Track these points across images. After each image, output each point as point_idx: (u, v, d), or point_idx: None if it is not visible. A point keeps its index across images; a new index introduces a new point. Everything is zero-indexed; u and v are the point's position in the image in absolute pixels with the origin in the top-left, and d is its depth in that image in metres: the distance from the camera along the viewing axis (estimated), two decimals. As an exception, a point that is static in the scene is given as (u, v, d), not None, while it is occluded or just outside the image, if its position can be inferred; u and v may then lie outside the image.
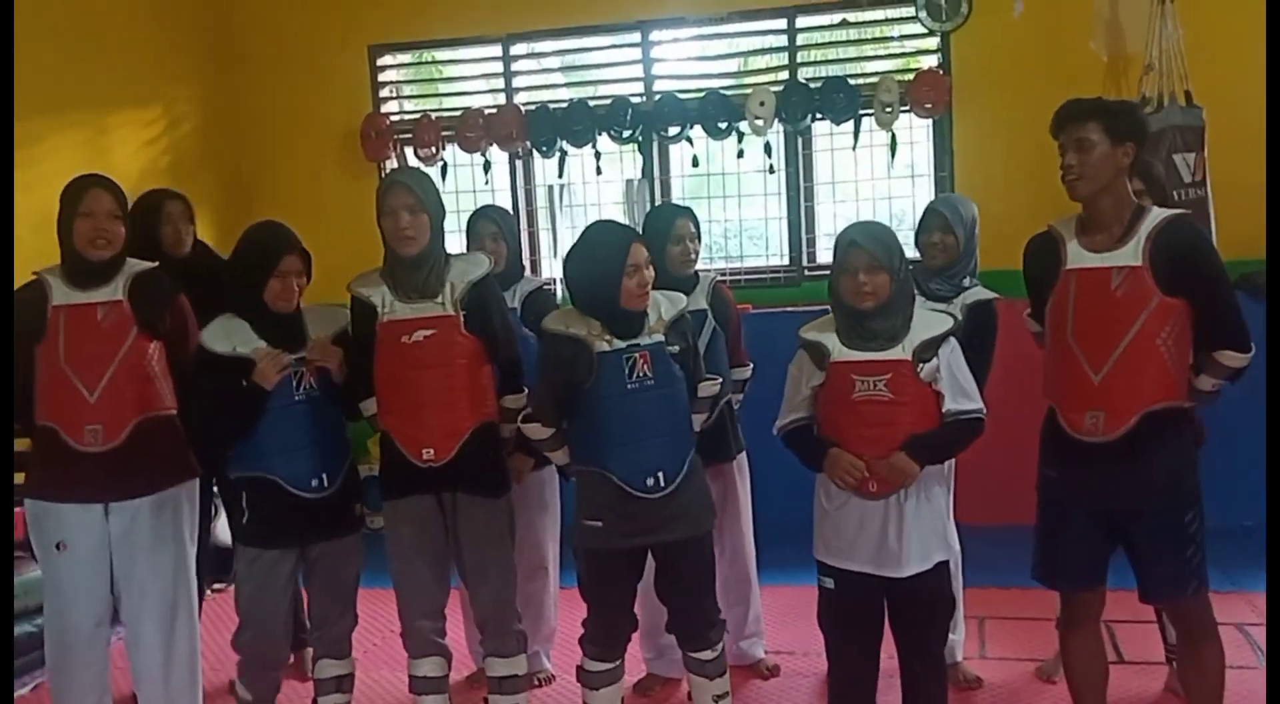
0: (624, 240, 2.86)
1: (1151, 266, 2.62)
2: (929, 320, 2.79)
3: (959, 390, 2.75)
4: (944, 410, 2.73)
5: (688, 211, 3.57)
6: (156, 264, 3.24)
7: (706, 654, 3.00)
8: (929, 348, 2.73)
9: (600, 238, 2.92)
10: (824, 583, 2.87)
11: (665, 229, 3.43)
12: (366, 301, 3.03)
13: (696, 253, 3.52)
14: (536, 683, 3.76)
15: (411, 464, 3.02)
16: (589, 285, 2.88)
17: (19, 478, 3.24)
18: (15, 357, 3.09)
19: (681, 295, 3.02)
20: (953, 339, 2.78)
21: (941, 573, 2.81)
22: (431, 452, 3.00)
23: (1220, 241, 3.70)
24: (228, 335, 3.03)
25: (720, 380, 3.06)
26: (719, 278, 3.67)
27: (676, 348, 2.90)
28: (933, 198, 3.60)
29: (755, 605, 3.76)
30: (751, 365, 3.71)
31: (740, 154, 5.64)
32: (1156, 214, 2.68)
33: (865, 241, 2.73)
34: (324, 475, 3.06)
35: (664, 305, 2.93)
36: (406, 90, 6.33)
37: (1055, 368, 2.79)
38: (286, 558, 3.11)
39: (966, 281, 3.43)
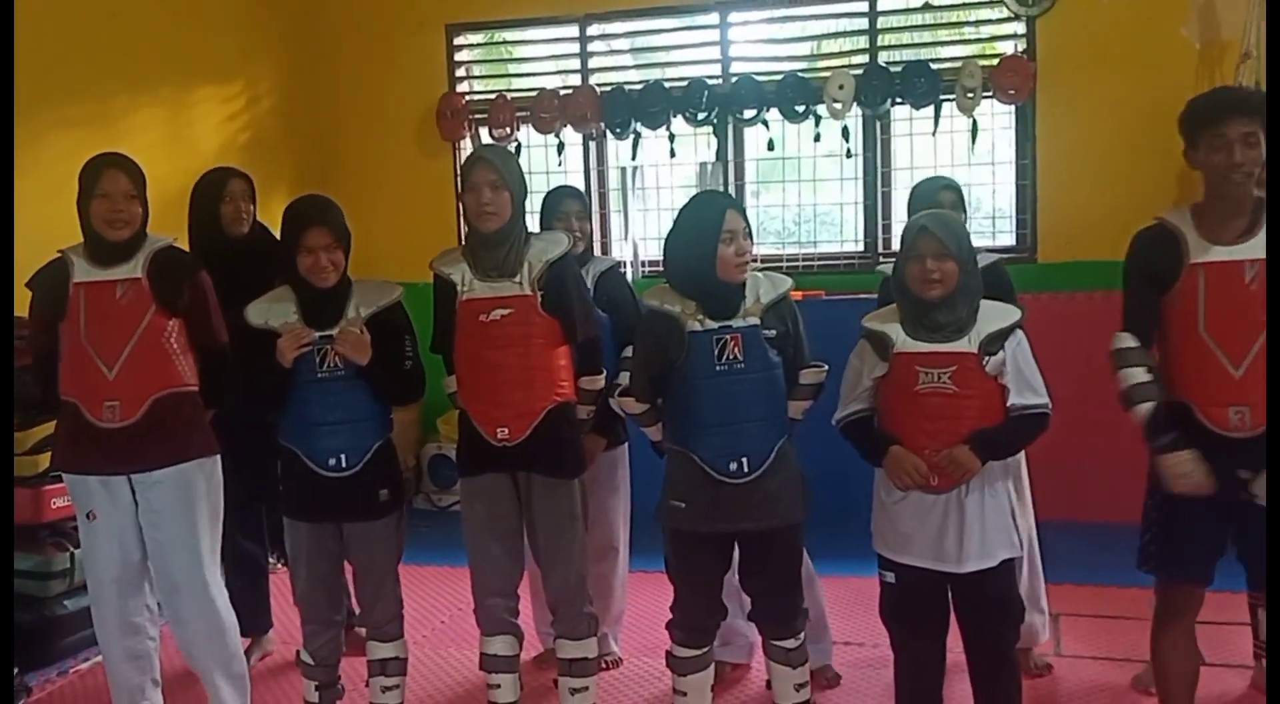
0: (720, 207, 2.82)
1: None
2: (996, 312, 2.72)
3: (1025, 384, 2.68)
4: (1009, 404, 2.67)
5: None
6: (173, 241, 3.23)
7: (790, 642, 2.97)
8: (996, 340, 2.67)
9: (695, 208, 2.89)
10: (885, 577, 2.81)
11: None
12: (447, 279, 3.04)
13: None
14: (604, 665, 3.74)
15: (487, 442, 3.02)
16: (685, 257, 2.85)
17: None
18: (39, 333, 3.15)
19: (786, 278, 2.95)
20: (1020, 332, 2.71)
21: (1008, 571, 2.74)
22: (506, 431, 3.00)
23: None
24: (268, 308, 3.05)
25: (826, 368, 2.97)
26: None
27: (773, 332, 2.85)
28: (940, 176, 3.53)
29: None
30: None
31: (817, 138, 5.57)
32: None
33: (935, 228, 2.67)
34: (342, 456, 3.04)
35: (764, 287, 2.88)
36: (479, 70, 6.34)
37: (1186, 364, 2.69)
38: (319, 531, 3.11)
39: None
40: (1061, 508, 4.85)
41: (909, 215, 3.39)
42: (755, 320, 2.83)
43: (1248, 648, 3.45)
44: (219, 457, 3.24)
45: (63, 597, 3.97)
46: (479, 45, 6.35)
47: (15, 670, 3.67)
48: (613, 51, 6.09)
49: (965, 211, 3.38)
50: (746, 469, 2.81)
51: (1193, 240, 2.65)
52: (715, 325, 2.82)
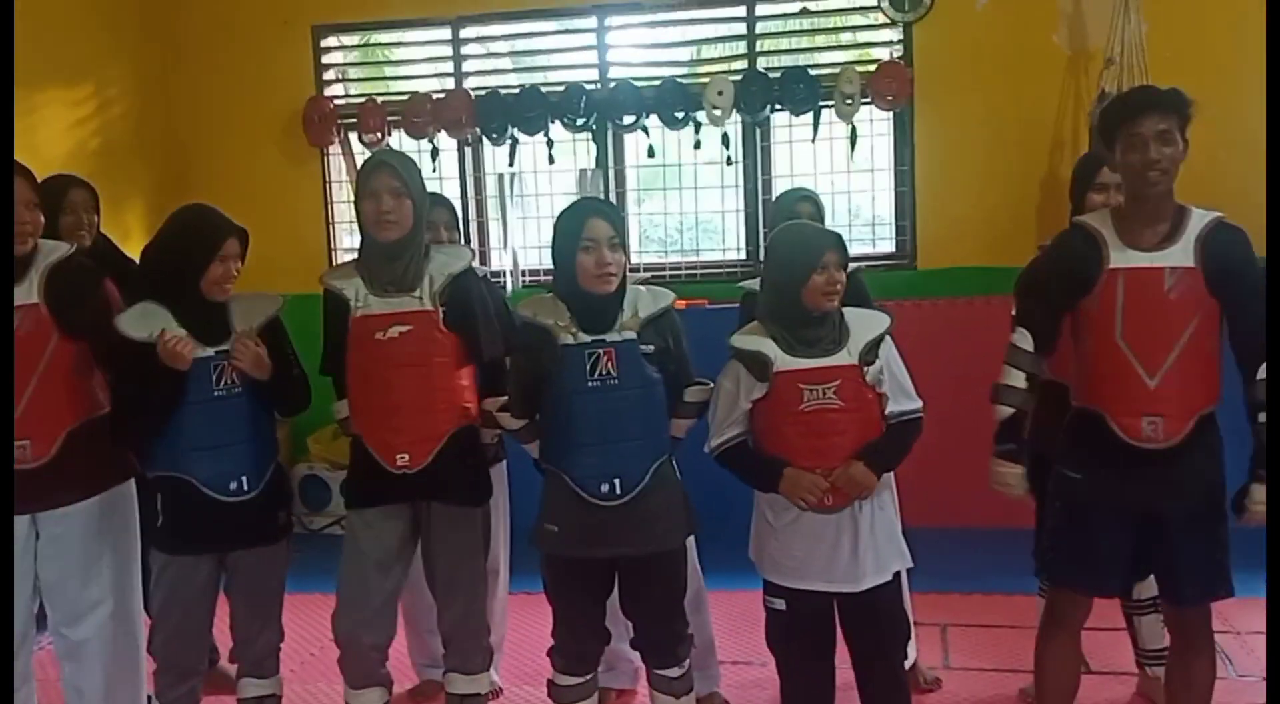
0: (582, 215, 2.70)
1: (1204, 268, 2.53)
2: (865, 320, 2.67)
3: (900, 391, 2.65)
4: (887, 412, 2.62)
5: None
6: (73, 248, 3.00)
7: (674, 671, 2.85)
8: (872, 349, 2.62)
9: (562, 215, 2.76)
10: (773, 605, 2.71)
11: None
12: (339, 295, 2.84)
13: None
14: (485, 695, 3.59)
15: (384, 471, 2.83)
16: (557, 267, 2.73)
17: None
18: None
19: (668, 292, 2.83)
20: (889, 337, 2.67)
21: (897, 584, 2.70)
22: (406, 457, 2.81)
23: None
24: (142, 320, 2.80)
25: (711, 386, 2.82)
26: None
27: (651, 347, 2.72)
28: (799, 187, 3.55)
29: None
30: None
31: (697, 145, 5.49)
32: (1201, 214, 2.59)
33: (837, 238, 2.62)
34: (244, 478, 2.84)
35: (644, 300, 2.75)
36: (352, 73, 6.11)
37: (1101, 371, 2.64)
38: (202, 564, 2.89)
39: None
40: (939, 514, 4.85)
41: (771, 227, 3.32)
42: (631, 334, 2.70)
43: (1130, 655, 3.44)
44: (133, 480, 3.01)
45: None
46: (348, 48, 6.11)
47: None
48: (488, 54, 5.92)
49: (823, 222, 3.31)
50: (619, 491, 2.67)
51: (1113, 244, 2.60)
52: (588, 339, 2.68)
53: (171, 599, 2.91)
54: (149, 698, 3.08)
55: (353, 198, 2.86)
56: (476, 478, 2.96)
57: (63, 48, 5.17)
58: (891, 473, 2.97)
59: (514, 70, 5.91)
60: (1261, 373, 2.55)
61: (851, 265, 3.17)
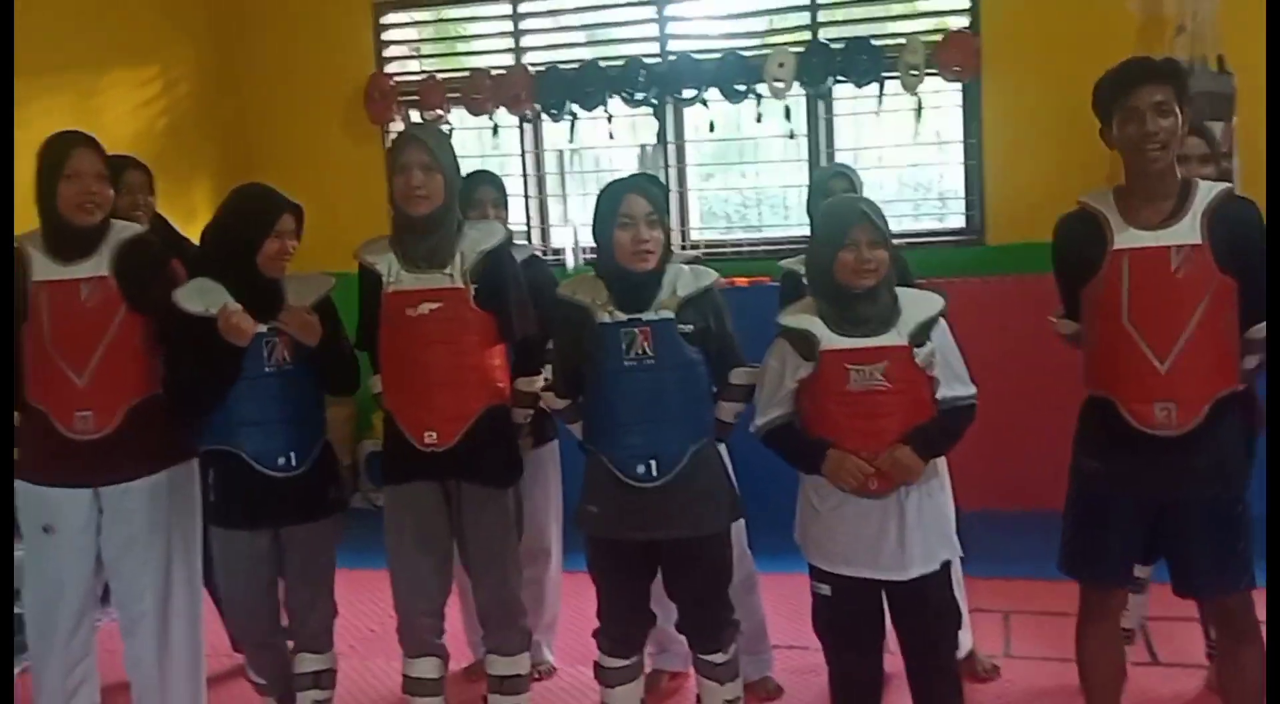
0: (619, 191, 2.66)
1: (1212, 244, 2.41)
2: (918, 300, 2.58)
3: (952, 375, 2.55)
4: (939, 397, 2.53)
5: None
6: (145, 228, 3.06)
7: (718, 657, 2.81)
8: (923, 330, 2.52)
9: (601, 192, 2.72)
10: (819, 590, 2.65)
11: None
12: (372, 269, 2.84)
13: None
14: (537, 675, 3.58)
15: (413, 448, 2.82)
16: (596, 242, 2.70)
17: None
18: None
19: (710, 272, 2.77)
20: (943, 320, 2.58)
21: (946, 574, 2.62)
22: (435, 435, 2.80)
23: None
24: (199, 294, 2.84)
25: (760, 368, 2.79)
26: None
27: (690, 327, 2.67)
28: (836, 163, 3.43)
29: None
30: None
31: (759, 118, 5.39)
32: (1208, 187, 2.47)
33: (871, 213, 2.53)
34: (292, 454, 2.87)
35: (684, 279, 2.70)
36: (408, 50, 6.10)
37: (1109, 356, 2.54)
38: (258, 539, 2.94)
39: None
40: (1003, 497, 4.75)
41: (809, 205, 3.25)
42: (669, 313, 2.65)
43: (1200, 646, 3.33)
44: (196, 461, 3.03)
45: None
46: (420, 23, 6.09)
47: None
48: (548, 29, 5.87)
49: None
50: (655, 473, 2.64)
51: (1115, 224, 2.49)
52: (624, 317, 2.64)
53: (231, 573, 2.98)
54: (244, 667, 3.16)
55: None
56: (507, 458, 2.94)
57: (128, 29, 5.24)
58: (943, 459, 2.91)
59: (575, 45, 5.84)
60: (1254, 331, 2.48)
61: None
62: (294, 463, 2.88)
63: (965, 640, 3.41)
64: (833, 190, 3.18)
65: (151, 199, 3.59)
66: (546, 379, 2.93)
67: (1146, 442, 2.48)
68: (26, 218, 2.94)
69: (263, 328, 2.82)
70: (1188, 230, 2.43)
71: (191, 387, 2.88)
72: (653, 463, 2.64)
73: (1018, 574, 4.11)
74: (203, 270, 2.92)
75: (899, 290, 2.59)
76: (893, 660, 2.72)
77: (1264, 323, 2.48)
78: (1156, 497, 2.53)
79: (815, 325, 2.55)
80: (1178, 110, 2.42)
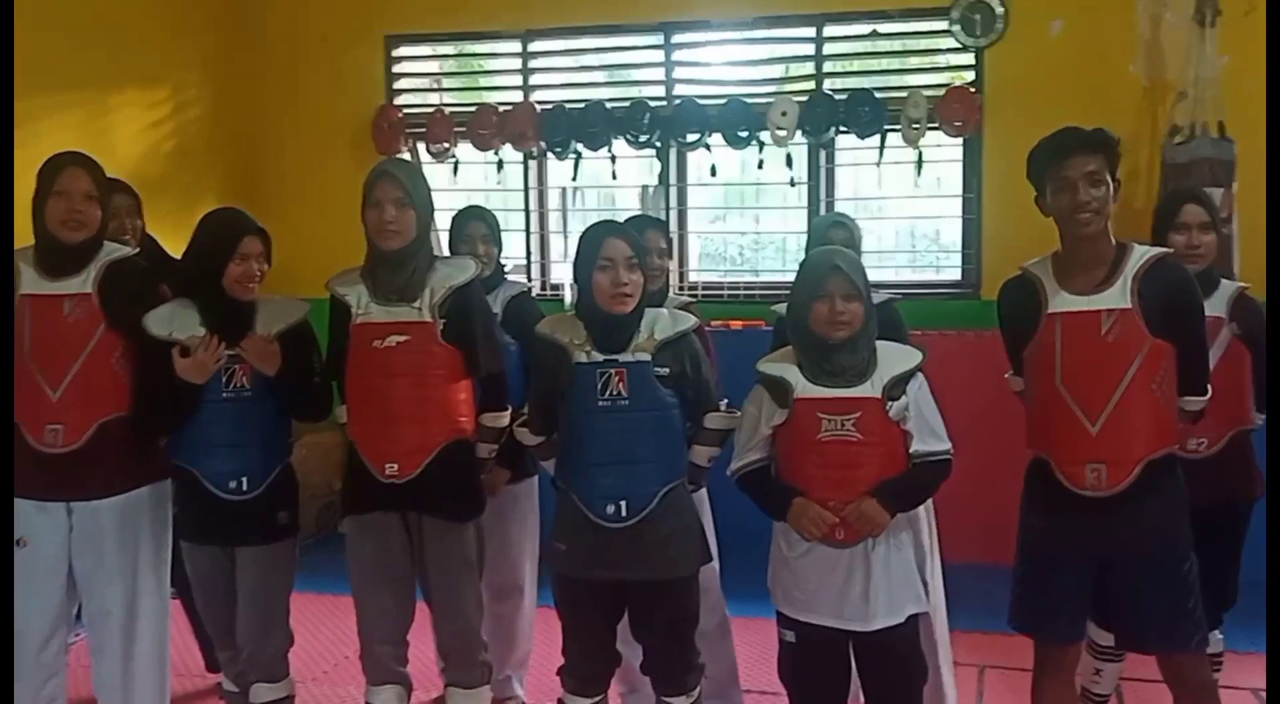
0: (600, 234, 2.69)
1: (1142, 308, 2.46)
2: (896, 354, 2.61)
3: (927, 430, 2.57)
4: (911, 451, 2.55)
5: (656, 224, 3.46)
6: (135, 250, 3.11)
7: (680, 700, 2.81)
8: (899, 384, 2.55)
9: (584, 233, 2.76)
10: (785, 636, 2.66)
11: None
12: (342, 300, 2.86)
13: (663, 269, 3.35)
14: (506, 710, 3.58)
15: (374, 479, 2.83)
16: (577, 283, 2.73)
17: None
18: None
19: (689, 316, 2.80)
20: (920, 375, 2.60)
21: (913, 628, 2.61)
22: (396, 467, 2.82)
23: (1246, 283, 3.53)
24: (170, 320, 2.90)
25: (739, 413, 2.78)
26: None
27: (666, 370, 2.69)
28: (834, 213, 3.45)
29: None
30: None
31: (760, 165, 5.44)
32: (1141, 252, 2.53)
33: (846, 267, 2.55)
34: (244, 479, 2.90)
35: (662, 323, 2.72)
36: (423, 83, 6.17)
37: (1044, 418, 2.60)
38: (211, 553, 2.99)
39: None
40: (987, 551, 4.72)
41: (806, 252, 3.27)
42: (645, 356, 2.67)
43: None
44: (169, 481, 3.06)
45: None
46: (419, 58, 6.18)
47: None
48: (556, 69, 5.94)
49: (858, 249, 3.26)
50: (624, 513, 2.64)
51: (1050, 289, 2.55)
52: (601, 358, 2.66)
53: (197, 586, 3.05)
54: (219, 685, 3.18)
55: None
56: (467, 492, 2.95)
57: (139, 51, 5.31)
58: (923, 513, 2.92)
59: (581, 85, 5.92)
60: (1187, 401, 2.57)
61: (886, 294, 3.18)
62: (245, 487, 2.91)
63: (949, 696, 3.41)
64: (830, 239, 3.19)
65: (139, 222, 3.64)
66: (523, 414, 2.94)
67: (1081, 502, 2.52)
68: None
69: (222, 352, 2.86)
70: (1118, 295, 2.48)
71: (152, 409, 2.93)
72: (623, 504, 2.64)
73: (994, 628, 4.09)
74: (182, 293, 2.98)
75: (879, 344, 2.61)
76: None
77: (1201, 397, 2.58)
78: (1095, 555, 2.56)
79: (791, 373, 2.57)
80: (1109, 179, 2.49)
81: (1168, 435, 2.53)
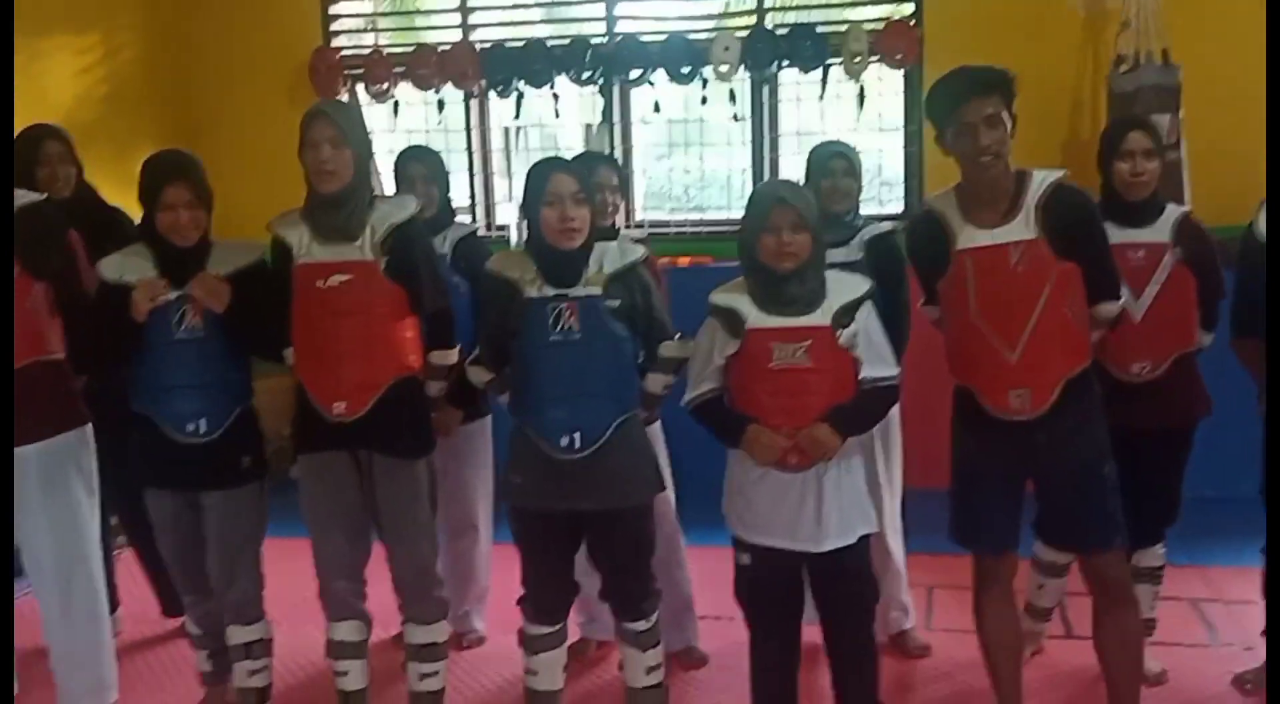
0: (547, 170, 2.70)
1: (1047, 236, 2.53)
2: (845, 283, 2.66)
3: (876, 356, 2.63)
4: (860, 377, 2.60)
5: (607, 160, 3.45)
6: (43, 197, 3.05)
7: (640, 625, 2.87)
8: (848, 312, 2.59)
9: (530, 169, 2.76)
10: (740, 559, 2.73)
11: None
12: (283, 242, 2.85)
13: (615, 205, 3.35)
14: (466, 644, 3.64)
15: (323, 418, 2.84)
16: (525, 219, 2.75)
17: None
18: None
19: (638, 248, 2.82)
20: (869, 303, 2.65)
21: (864, 548, 2.69)
22: (343, 405, 2.82)
23: (1196, 208, 3.59)
24: (122, 263, 2.88)
25: (692, 342, 2.81)
26: None
27: (617, 303, 2.72)
28: (835, 141, 3.43)
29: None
30: None
31: (704, 101, 5.44)
32: (1039, 179, 2.57)
33: (792, 198, 2.58)
34: (202, 421, 2.88)
35: (611, 256, 2.74)
36: (362, 23, 6.07)
37: (964, 350, 2.67)
38: (173, 498, 2.98)
39: (858, 221, 3.31)
40: (931, 475, 4.84)
41: (807, 180, 3.28)
42: (596, 289, 2.70)
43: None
44: (90, 426, 3.06)
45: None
46: (357, -2, 6.07)
47: None
48: (495, 7, 5.87)
49: (858, 178, 3.28)
50: (579, 444, 2.68)
51: (957, 225, 2.60)
52: (552, 292, 2.69)
53: (160, 531, 3.04)
54: (183, 624, 3.20)
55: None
56: (416, 430, 2.96)
57: (67, -5, 5.17)
58: (867, 436, 2.97)
59: (521, 23, 5.86)
60: (1101, 309, 2.63)
61: (884, 227, 3.27)
62: (203, 429, 2.88)
63: (906, 617, 3.52)
64: (832, 169, 3.23)
65: (73, 169, 3.57)
66: (475, 354, 2.95)
67: (1006, 424, 2.61)
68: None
69: (172, 295, 2.83)
70: (1022, 226, 2.54)
71: (89, 351, 2.93)
72: (576, 435, 2.68)
73: (944, 550, 4.20)
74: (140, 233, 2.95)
75: (829, 273, 2.65)
76: (815, 633, 2.78)
77: (1114, 302, 2.65)
78: (1022, 470, 2.66)
79: (743, 303, 2.61)
80: (1006, 119, 2.53)
81: (1083, 352, 2.61)
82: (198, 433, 2.88)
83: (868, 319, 2.63)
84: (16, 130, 3.45)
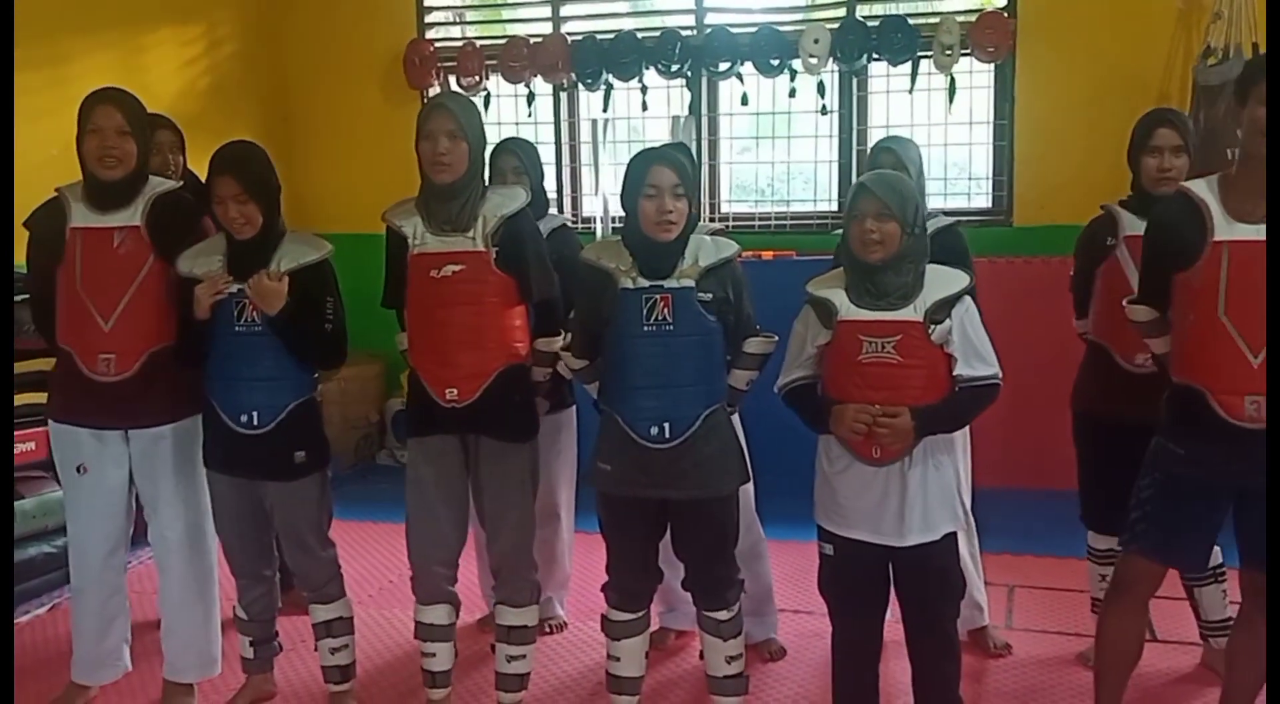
0: (647, 162, 2.73)
1: None
2: (943, 277, 2.61)
3: (973, 354, 2.57)
4: (955, 375, 2.56)
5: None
6: (179, 184, 3.17)
7: (722, 614, 2.90)
8: (942, 308, 2.55)
9: (631, 159, 2.79)
10: (824, 549, 2.73)
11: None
12: (398, 232, 2.92)
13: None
14: (549, 630, 3.69)
15: (435, 403, 2.92)
16: (624, 210, 2.78)
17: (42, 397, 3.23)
18: (35, 277, 3.10)
19: (732, 243, 2.84)
20: (968, 298, 2.61)
21: (950, 545, 2.66)
22: (455, 392, 2.89)
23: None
24: (195, 257, 2.97)
25: (775, 338, 2.84)
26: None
27: (710, 296, 2.75)
28: (889, 136, 3.39)
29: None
30: None
31: (792, 93, 5.43)
32: None
33: (876, 187, 2.56)
34: (255, 413, 2.94)
35: (706, 249, 2.77)
36: (456, 16, 6.17)
37: (1203, 348, 2.49)
38: (240, 485, 3.05)
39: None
40: (1019, 475, 4.81)
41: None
42: (690, 282, 2.73)
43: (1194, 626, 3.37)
44: None
45: (21, 542, 3.92)
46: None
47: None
48: None
49: (909, 172, 3.26)
50: (669, 435, 2.72)
51: (1218, 215, 2.45)
52: (647, 284, 2.72)
53: (217, 513, 3.12)
54: (233, 608, 3.26)
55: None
56: (523, 415, 3.02)
57: (174, -12, 5.34)
58: (962, 434, 2.95)
59: (611, 15, 5.90)
60: None
61: (946, 220, 3.24)
62: (255, 421, 2.94)
63: (982, 615, 3.49)
64: (880, 164, 3.18)
65: (181, 157, 3.69)
66: (567, 341, 3.01)
67: (1232, 432, 2.44)
68: (70, 170, 3.04)
69: (234, 288, 2.90)
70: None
71: (178, 342, 3.02)
72: (666, 425, 2.72)
73: (1024, 550, 4.18)
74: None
75: (930, 268, 2.62)
76: (898, 627, 2.77)
77: None
78: (1238, 484, 2.51)
79: (837, 295, 2.61)
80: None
81: None
82: (251, 424, 2.95)
83: (965, 315, 2.58)
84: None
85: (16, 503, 3.88)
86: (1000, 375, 2.62)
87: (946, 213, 3.77)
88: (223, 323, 2.92)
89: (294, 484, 3.02)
